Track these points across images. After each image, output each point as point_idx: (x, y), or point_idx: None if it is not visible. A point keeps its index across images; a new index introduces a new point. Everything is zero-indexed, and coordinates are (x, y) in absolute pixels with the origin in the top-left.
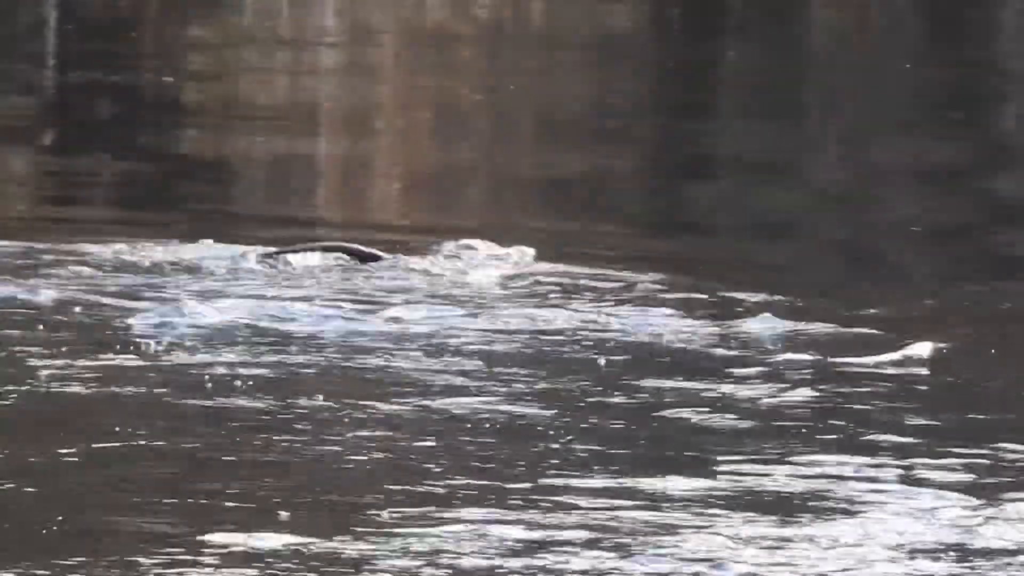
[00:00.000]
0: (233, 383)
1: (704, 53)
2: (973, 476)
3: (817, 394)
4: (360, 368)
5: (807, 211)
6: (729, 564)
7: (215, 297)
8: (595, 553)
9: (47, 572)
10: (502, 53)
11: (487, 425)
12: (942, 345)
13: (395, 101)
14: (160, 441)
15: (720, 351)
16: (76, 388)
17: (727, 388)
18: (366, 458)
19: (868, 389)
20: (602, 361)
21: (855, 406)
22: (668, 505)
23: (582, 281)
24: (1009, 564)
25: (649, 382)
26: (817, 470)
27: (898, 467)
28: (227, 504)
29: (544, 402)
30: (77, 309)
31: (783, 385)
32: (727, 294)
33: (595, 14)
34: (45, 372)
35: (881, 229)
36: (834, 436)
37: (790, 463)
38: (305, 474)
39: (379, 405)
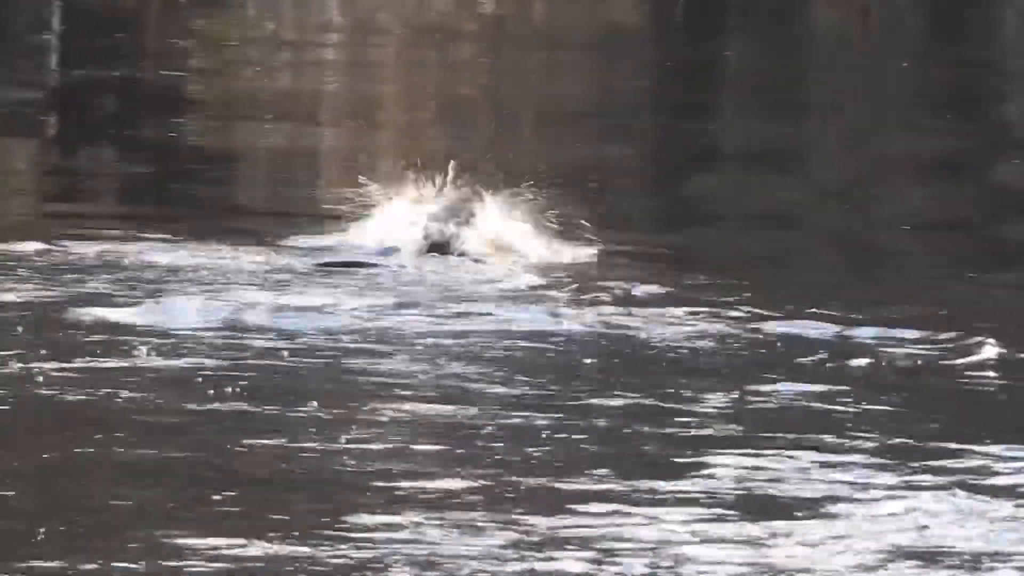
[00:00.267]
0: (222, 387)
1: (704, 52)
2: (975, 476)
3: (817, 394)
4: (353, 370)
5: (808, 206)
6: (726, 564)
7: (205, 297)
8: (589, 555)
9: None
10: (503, 50)
11: (485, 429)
12: (941, 345)
13: (395, 97)
14: (147, 447)
15: (719, 351)
16: (60, 391)
17: (725, 388)
18: (358, 461)
19: (869, 389)
20: (596, 363)
21: (856, 405)
22: (665, 506)
23: (581, 279)
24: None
25: (647, 382)
26: (818, 470)
27: (897, 467)
28: (216, 510)
29: (539, 405)
30: (60, 310)
31: (784, 384)
32: (728, 294)
33: (596, 12)
34: (27, 375)
35: (880, 224)
36: (835, 435)
37: (789, 463)
38: (296, 478)
39: (371, 408)
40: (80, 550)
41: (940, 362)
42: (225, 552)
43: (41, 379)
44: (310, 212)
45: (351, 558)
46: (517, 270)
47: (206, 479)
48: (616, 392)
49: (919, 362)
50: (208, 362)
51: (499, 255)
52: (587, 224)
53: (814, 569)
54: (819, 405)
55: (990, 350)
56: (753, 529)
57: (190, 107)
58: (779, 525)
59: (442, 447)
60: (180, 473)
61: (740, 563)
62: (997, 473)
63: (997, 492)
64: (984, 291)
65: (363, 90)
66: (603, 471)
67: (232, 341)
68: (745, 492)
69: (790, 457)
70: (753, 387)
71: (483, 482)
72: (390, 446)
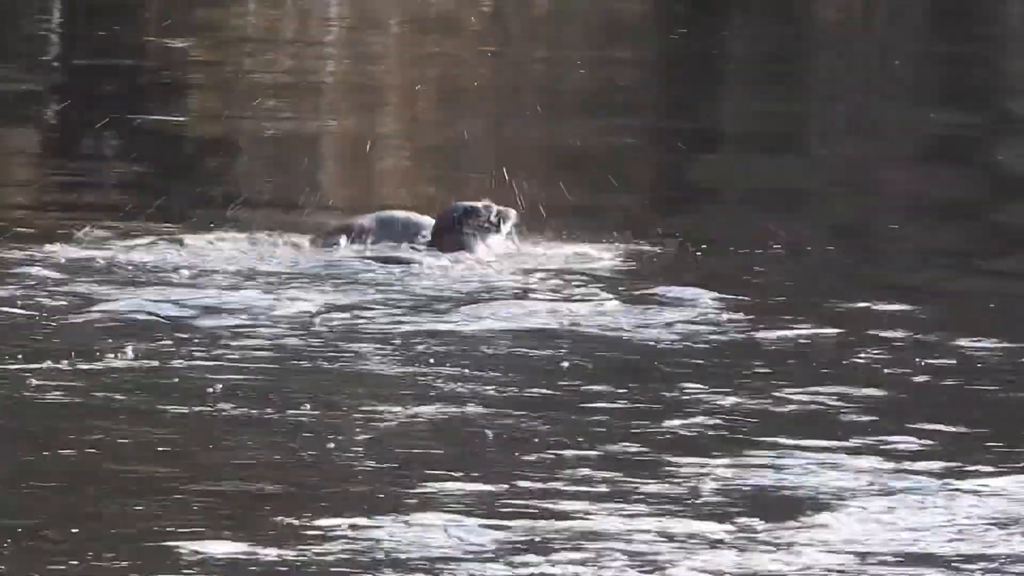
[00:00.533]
0: (211, 387)
1: (707, 42)
2: (972, 477)
3: (811, 393)
4: (345, 370)
5: (811, 194)
6: (717, 567)
7: (198, 296)
8: (579, 556)
9: None
10: (507, 39)
11: (476, 430)
12: (938, 342)
13: (400, 84)
14: (136, 451)
15: (714, 351)
16: (48, 392)
17: (719, 389)
18: (347, 462)
19: (868, 389)
20: (589, 362)
21: (854, 406)
22: (657, 508)
23: (579, 276)
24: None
25: (640, 382)
26: (817, 471)
27: (899, 468)
28: (203, 510)
29: (530, 405)
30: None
31: (782, 386)
32: (726, 291)
33: (600, 1)
34: (16, 376)
35: (882, 213)
36: (834, 436)
37: (783, 465)
38: (287, 480)
39: (361, 408)
40: (64, 554)
41: (937, 360)
42: (215, 556)
43: (16, 381)
44: (312, 206)
45: (340, 559)
46: (512, 269)
47: (194, 482)
48: (609, 392)
49: (917, 360)
50: (199, 362)
51: (499, 255)
52: (582, 221)
53: (805, 571)
54: (814, 405)
55: (990, 349)
56: (745, 532)
57: (191, 97)
58: (772, 527)
59: (432, 448)
60: (167, 476)
61: (731, 566)
62: (996, 474)
63: (995, 493)
64: (988, 283)
65: (365, 82)
66: (595, 472)
67: (225, 340)
68: (738, 494)
69: (784, 458)
70: (747, 387)
71: (474, 483)
72: (379, 447)
